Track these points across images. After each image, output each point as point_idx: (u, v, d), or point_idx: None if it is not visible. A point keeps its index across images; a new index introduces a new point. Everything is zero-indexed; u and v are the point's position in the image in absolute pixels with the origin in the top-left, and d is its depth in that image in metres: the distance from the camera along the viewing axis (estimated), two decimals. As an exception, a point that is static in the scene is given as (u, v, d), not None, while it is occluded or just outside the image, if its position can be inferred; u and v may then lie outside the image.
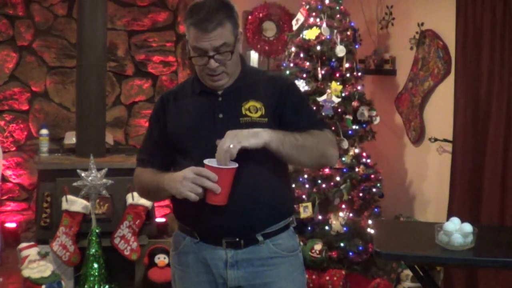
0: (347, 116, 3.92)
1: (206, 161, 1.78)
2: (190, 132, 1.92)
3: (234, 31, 1.88)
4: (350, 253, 3.79)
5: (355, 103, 3.93)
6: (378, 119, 4.05)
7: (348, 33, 4.02)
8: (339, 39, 3.92)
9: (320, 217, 3.83)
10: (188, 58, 1.92)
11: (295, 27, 4.11)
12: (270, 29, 5.17)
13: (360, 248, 3.79)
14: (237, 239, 1.90)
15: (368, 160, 4.01)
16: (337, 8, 4.04)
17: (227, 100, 1.92)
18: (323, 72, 3.91)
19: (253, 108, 1.90)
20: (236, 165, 1.77)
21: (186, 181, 1.77)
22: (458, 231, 2.45)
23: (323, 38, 3.91)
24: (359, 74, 4.06)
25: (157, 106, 2.04)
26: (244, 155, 1.77)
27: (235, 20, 1.89)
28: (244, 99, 1.91)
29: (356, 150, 3.95)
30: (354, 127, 3.95)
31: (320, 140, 1.92)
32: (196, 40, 1.83)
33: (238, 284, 1.93)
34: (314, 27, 3.94)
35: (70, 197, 3.73)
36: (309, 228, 3.84)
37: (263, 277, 1.92)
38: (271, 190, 1.92)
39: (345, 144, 3.89)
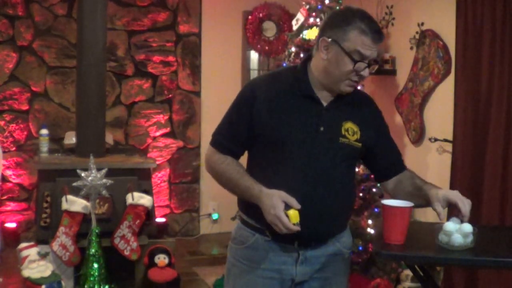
0: (347, 116, 3.92)
1: (385, 202, 1.86)
2: (292, 137, 1.89)
3: None
4: (350, 253, 3.78)
5: (355, 103, 3.92)
6: (378, 119, 4.04)
7: (348, 33, 4.01)
8: (339, 39, 3.92)
9: (320, 217, 3.82)
10: (349, 57, 1.85)
11: (295, 27, 4.10)
12: (270, 29, 5.17)
13: (360, 248, 3.78)
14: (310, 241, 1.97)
15: (368, 160, 4.00)
16: (337, 8, 4.04)
17: (330, 115, 1.93)
18: (323, 72, 3.90)
19: (351, 130, 1.94)
20: (412, 204, 1.87)
21: (271, 217, 1.80)
22: (458, 231, 2.44)
23: (323, 38, 3.90)
24: (359, 74, 4.05)
25: (246, 95, 1.96)
26: (332, 163, 1.89)
27: None
28: (344, 119, 1.94)
29: (356, 150, 3.94)
30: (354, 127, 3.94)
31: None
32: (365, 46, 1.86)
33: (304, 279, 2.00)
34: (314, 27, 3.93)
35: (70, 197, 3.73)
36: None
37: (324, 272, 2.01)
38: (347, 197, 2.00)
39: (345, 144, 3.88)
